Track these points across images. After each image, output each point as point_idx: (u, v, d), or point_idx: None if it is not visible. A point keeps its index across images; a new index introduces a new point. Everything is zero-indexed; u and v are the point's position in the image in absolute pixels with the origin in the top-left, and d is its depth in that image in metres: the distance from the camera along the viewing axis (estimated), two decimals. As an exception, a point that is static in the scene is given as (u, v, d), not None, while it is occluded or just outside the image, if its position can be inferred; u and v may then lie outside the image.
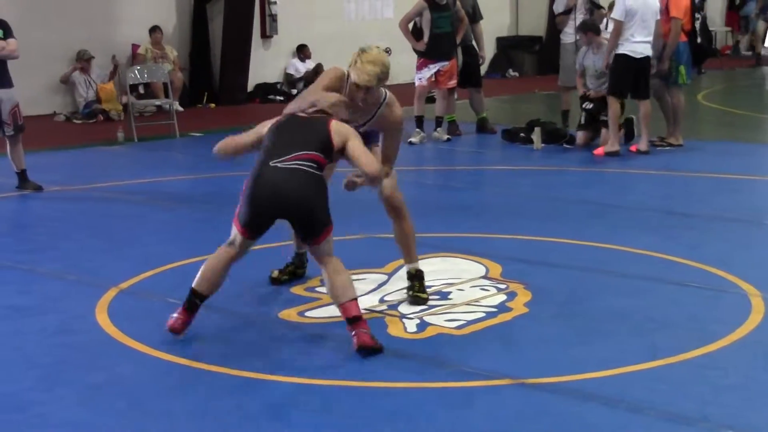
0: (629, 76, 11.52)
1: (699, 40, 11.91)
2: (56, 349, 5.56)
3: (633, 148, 11.81)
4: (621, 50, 11.48)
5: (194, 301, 5.57)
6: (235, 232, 5.59)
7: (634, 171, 10.84)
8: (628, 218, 8.55)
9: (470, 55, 13.53)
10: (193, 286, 5.57)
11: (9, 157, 9.99)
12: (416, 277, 6.30)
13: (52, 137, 13.60)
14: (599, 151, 11.65)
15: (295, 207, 5.47)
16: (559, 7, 13.75)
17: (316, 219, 5.50)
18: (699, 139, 12.65)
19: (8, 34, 9.74)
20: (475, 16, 13.67)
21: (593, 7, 13.12)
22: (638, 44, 11.42)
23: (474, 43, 13.72)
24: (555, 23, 14.32)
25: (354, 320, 5.36)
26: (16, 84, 9.98)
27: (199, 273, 5.58)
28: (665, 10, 11.59)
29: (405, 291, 6.32)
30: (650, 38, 11.47)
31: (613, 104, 11.54)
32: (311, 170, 5.49)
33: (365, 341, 5.28)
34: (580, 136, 12.20)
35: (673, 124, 12.08)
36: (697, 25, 11.91)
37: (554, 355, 5.33)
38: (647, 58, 11.50)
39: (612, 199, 9.46)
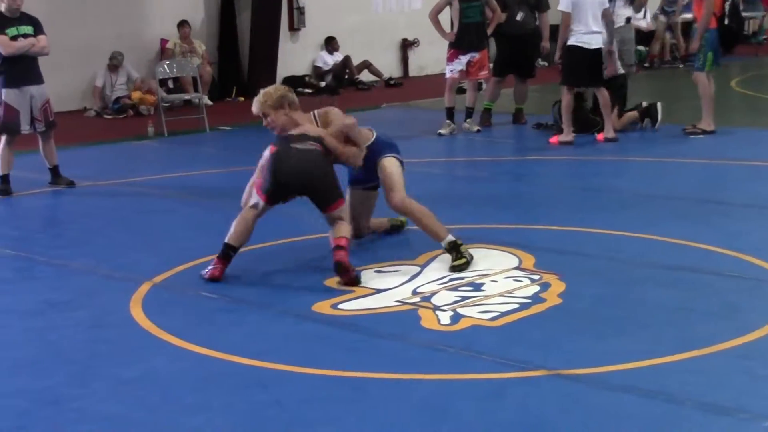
0: (583, 68, 11.61)
1: (727, 22, 11.78)
2: (90, 344, 5.58)
3: (599, 137, 11.79)
4: (573, 41, 11.59)
5: (229, 252, 6.60)
6: (258, 199, 6.68)
7: (667, 159, 10.76)
8: (662, 207, 8.48)
9: (526, 44, 13.23)
10: (226, 240, 6.59)
11: (41, 153, 10.03)
12: (452, 249, 6.71)
13: (83, 133, 13.66)
14: (554, 139, 11.79)
15: (313, 180, 6.65)
16: None
17: (329, 191, 6.68)
18: (732, 126, 12.55)
19: (39, 30, 9.78)
20: (540, 4, 13.41)
21: None
22: (589, 35, 11.53)
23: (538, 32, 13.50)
24: None
25: (337, 247, 6.45)
26: (47, 80, 10.02)
27: (231, 230, 6.64)
28: None
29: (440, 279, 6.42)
30: (599, 28, 11.55)
31: (566, 95, 11.67)
32: (322, 153, 6.73)
33: (341, 257, 6.39)
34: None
35: (704, 108, 11.98)
36: (727, 7, 11.78)
37: (589, 346, 5.29)
38: (599, 49, 11.57)
39: (645, 188, 9.39)
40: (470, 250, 6.78)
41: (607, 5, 11.63)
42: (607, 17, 11.62)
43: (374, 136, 7.20)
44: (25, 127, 9.76)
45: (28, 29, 9.71)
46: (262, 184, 6.69)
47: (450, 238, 6.77)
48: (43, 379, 5.05)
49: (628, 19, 12.87)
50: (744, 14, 22.87)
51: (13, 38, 9.62)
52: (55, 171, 10.05)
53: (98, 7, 15.96)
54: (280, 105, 6.86)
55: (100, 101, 15.71)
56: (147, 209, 9.04)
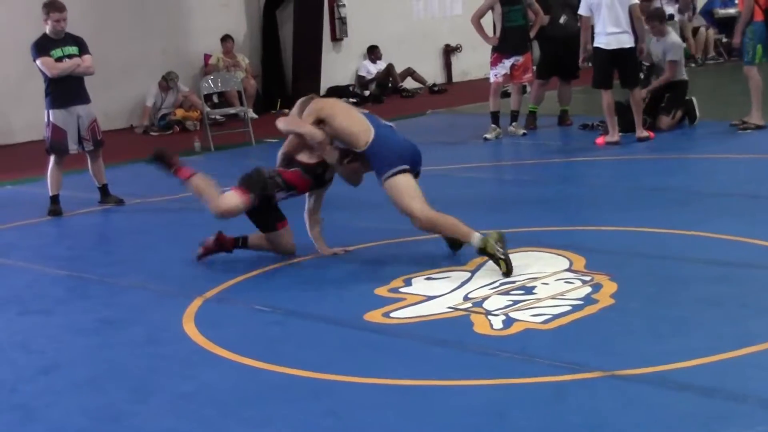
0: (606, 68, 11.56)
1: None
2: (146, 360, 5.62)
3: (650, 134, 11.71)
4: (595, 43, 11.62)
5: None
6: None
7: (716, 156, 10.65)
8: (712, 204, 8.39)
9: (570, 46, 13.11)
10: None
11: (90, 173, 10.12)
12: (483, 252, 6.61)
13: (130, 150, 13.77)
14: (600, 140, 11.71)
15: None
16: None
17: None
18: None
19: (84, 50, 9.88)
20: None
21: None
22: (609, 36, 11.44)
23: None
24: None
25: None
26: (94, 99, 10.12)
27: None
28: None
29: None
30: (622, 28, 11.40)
31: (604, 97, 11.61)
32: None
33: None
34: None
35: (754, 103, 11.85)
36: None
37: (645, 346, 5.24)
38: (624, 49, 11.43)
39: (695, 185, 9.31)
40: (520, 253, 6.73)
41: (634, 1, 11.48)
42: (634, 14, 11.47)
43: (366, 146, 6.95)
44: (72, 147, 9.87)
45: (73, 50, 9.81)
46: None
47: (475, 241, 6.63)
48: (102, 396, 5.09)
49: (671, 17, 12.78)
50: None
51: (59, 59, 9.72)
52: (104, 190, 10.14)
53: (142, 24, 16.12)
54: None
55: (148, 120, 15.84)
56: (196, 224, 9.03)
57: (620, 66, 11.55)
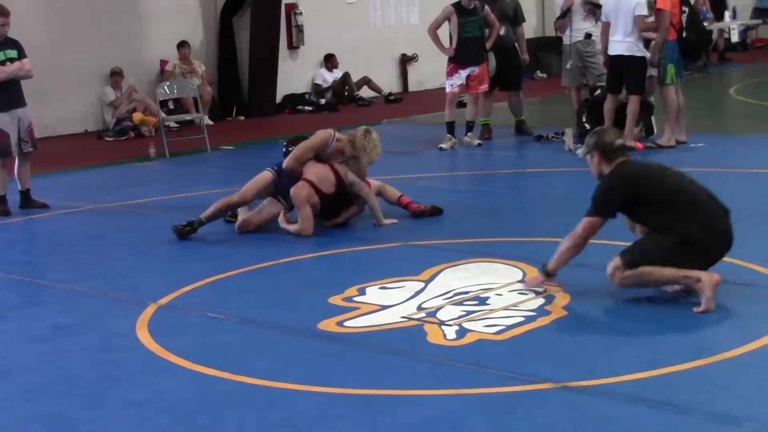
0: (612, 73, 11.87)
1: (685, 34, 11.81)
2: (99, 367, 5.60)
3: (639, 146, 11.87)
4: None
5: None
6: None
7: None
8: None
9: (509, 57, 13.39)
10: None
11: (16, 176, 10.07)
12: None
13: (85, 155, 13.69)
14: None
15: None
16: (556, 11, 13.69)
17: None
18: (731, 134, 12.55)
19: (22, 54, 9.89)
20: (516, 18, 13.46)
21: (594, 8, 12.93)
22: (612, 43, 11.73)
23: (516, 45, 13.59)
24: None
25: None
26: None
27: None
28: (654, 3, 11.66)
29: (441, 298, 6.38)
30: (623, 37, 11.59)
31: (608, 101, 11.82)
32: None
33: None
34: None
35: (667, 124, 11.95)
36: (684, 18, 11.81)
37: (596, 358, 5.31)
38: (623, 56, 11.61)
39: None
40: (474, 264, 6.77)
41: (641, 13, 11.56)
42: (638, 26, 11.62)
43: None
44: (15, 150, 9.86)
45: (13, 53, 9.81)
46: None
47: None
48: (55, 404, 5.07)
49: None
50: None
51: (1, 63, 9.70)
52: (27, 194, 10.12)
53: (98, 30, 15.97)
54: None
55: (111, 117, 15.70)
56: (151, 230, 9.02)
57: (623, 72, 11.72)
